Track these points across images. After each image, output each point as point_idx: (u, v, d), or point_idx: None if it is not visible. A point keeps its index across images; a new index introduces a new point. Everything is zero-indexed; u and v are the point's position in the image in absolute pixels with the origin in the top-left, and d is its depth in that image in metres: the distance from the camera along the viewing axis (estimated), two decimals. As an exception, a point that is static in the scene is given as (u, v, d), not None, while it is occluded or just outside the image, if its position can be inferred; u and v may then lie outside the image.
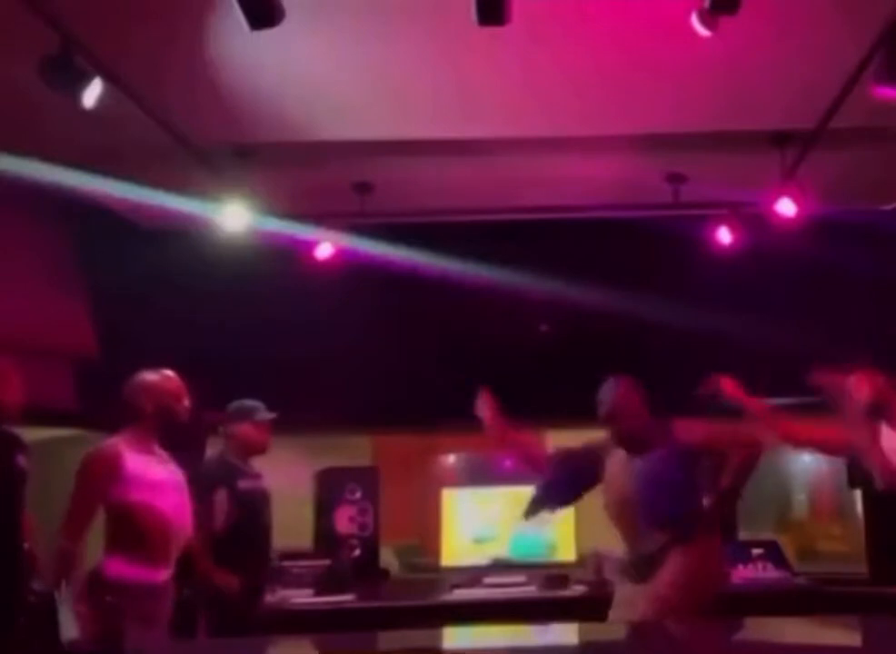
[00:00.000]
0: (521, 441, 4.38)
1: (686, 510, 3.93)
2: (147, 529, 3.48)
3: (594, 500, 5.01)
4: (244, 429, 4.53)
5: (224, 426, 4.57)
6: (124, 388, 3.67)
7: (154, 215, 5.25)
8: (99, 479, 3.47)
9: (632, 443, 4.05)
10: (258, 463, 4.63)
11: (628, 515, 4.02)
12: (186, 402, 3.71)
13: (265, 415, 4.56)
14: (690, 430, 4.00)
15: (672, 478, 3.96)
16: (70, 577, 3.39)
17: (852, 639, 3.22)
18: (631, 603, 3.96)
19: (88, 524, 3.47)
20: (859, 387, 3.96)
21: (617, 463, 4.10)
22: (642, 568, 3.95)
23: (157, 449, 3.68)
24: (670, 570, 3.86)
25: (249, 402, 4.59)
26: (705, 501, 4.00)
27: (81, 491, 3.47)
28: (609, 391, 4.08)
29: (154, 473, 3.57)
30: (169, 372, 3.72)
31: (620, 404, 4.05)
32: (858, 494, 5.30)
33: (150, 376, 3.68)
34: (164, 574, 3.53)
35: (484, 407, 4.25)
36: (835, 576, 4.45)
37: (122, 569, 3.42)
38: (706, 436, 4.00)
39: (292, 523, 5.56)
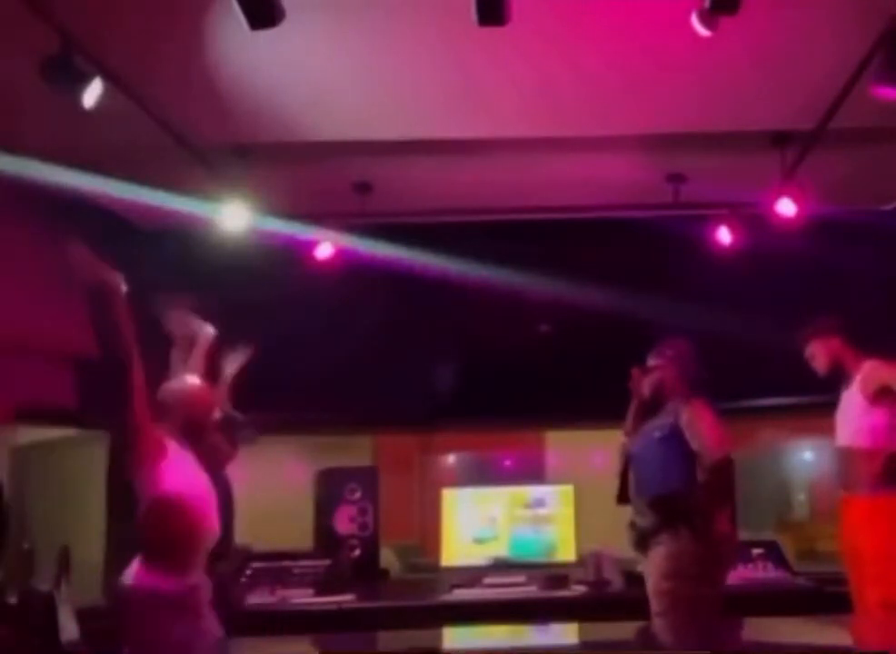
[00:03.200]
0: None
1: (674, 491, 3.91)
2: (175, 535, 3.33)
3: (594, 500, 5.02)
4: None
5: None
6: (159, 392, 3.51)
7: (154, 215, 5.25)
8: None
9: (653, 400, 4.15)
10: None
11: (633, 483, 4.07)
12: (216, 416, 3.62)
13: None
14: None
15: (664, 456, 3.98)
16: None
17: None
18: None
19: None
20: (817, 353, 4.17)
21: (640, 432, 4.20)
22: (639, 540, 3.98)
23: (189, 454, 3.49)
24: (662, 556, 3.87)
25: None
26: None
27: None
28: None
29: (188, 478, 3.41)
30: (199, 384, 3.58)
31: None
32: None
33: (181, 385, 3.54)
34: (188, 580, 3.34)
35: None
36: (835, 576, 4.44)
37: (149, 580, 3.26)
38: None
39: (292, 523, 5.56)
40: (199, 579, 3.42)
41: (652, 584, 3.93)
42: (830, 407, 4.28)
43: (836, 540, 4.35)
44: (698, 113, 4.38)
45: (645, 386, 4.21)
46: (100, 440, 5.44)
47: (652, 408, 4.20)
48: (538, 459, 6.87)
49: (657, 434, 4.04)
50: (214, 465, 4.15)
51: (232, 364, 4.33)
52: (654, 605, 3.90)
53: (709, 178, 5.03)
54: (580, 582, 4.95)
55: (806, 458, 6.61)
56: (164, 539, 3.33)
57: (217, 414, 3.65)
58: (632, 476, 4.10)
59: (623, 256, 5.72)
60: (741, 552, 5.16)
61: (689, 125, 4.50)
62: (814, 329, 4.28)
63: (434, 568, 5.44)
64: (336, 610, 4.70)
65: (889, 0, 3.29)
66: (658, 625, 3.82)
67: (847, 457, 4.16)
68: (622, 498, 4.16)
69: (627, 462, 4.15)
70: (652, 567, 3.93)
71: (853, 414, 4.12)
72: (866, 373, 4.10)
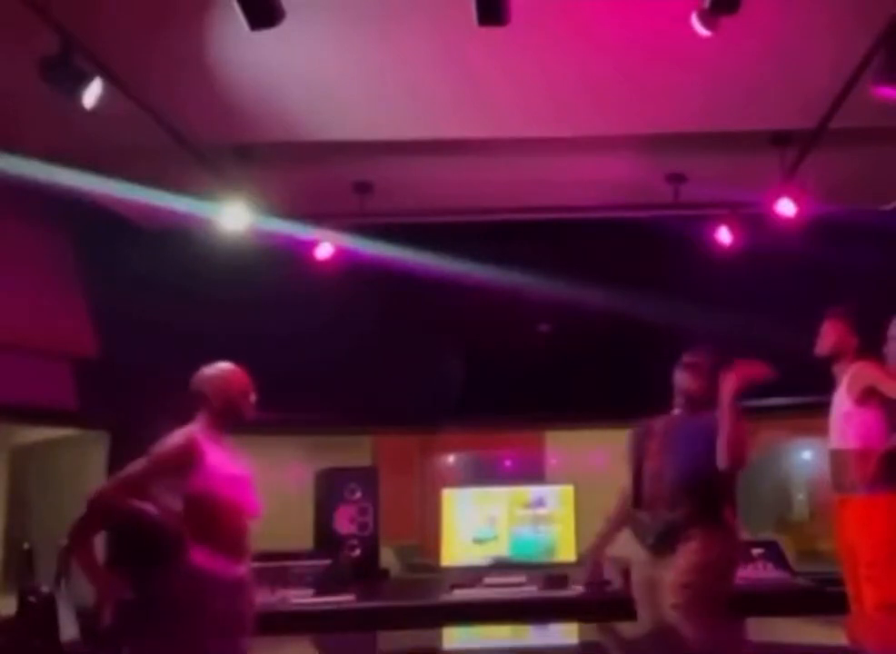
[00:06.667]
0: None
1: (711, 476, 3.87)
2: (222, 521, 3.42)
3: (594, 500, 5.02)
4: None
5: None
6: (193, 380, 3.59)
7: (154, 215, 5.25)
8: (177, 469, 3.40)
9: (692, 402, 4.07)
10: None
11: (663, 473, 4.02)
12: (252, 398, 3.62)
13: None
14: None
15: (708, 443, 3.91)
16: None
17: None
18: (651, 586, 3.96)
19: (134, 494, 3.40)
20: (826, 334, 4.17)
21: (662, 425, 4.12)
22: (662, 537, 3.92)
23: (226, 442, 3.59)
24: (693, 550, 3.83)
25: None
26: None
27: (150, 468, 3.41)
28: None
29: (227, 466, 3.50)
30: (234, 367, 3.63)
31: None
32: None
33: (217, 370, 3.60)
34: (241, 569, 3.47)
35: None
36: (835, 576, 4.44)
37: (205, 560, 3.36)
38: None
39: (292, 523, 5.56)
40: (246, 572, 3.48)
41: (674, 576, 3.88)
42: (829, 407, 4.28)
43: (834, 541, 4.35)
44: (698, 113, 4.38)
45: (682, 382, 4.12)
46: (100, 440, 5.44)
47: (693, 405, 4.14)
48: (538, 459, 6.86)
49: (700, 433, 3.99)
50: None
51: None
52: (672, 596, 3.86)
53: (709, 178, 5.03)
54: (580, 582, 4.95)
55: (806, 458, 6.60)
56: (209, 528, 3.37)
57: (253, 398, 3.63)
58: (667, 466, 4.03)
59: (623, 256, 5.72)
60: (742, 552, 5.17)
61: (689, 125, 4.50)
62: (840, 311, 4.28)
63: (434, 568, 5.45)
64: (336, 610, 4.70)
65: (889, 0, 3.29)
66: (675, 617, 3.79)
67: (841, 459, 4.17)
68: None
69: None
70: (681, 559, 3.87)
71: (843, 416, 4.15)
72: (852, 374, 4.15)
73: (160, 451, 3.42)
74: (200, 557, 3.35)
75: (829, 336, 4.27)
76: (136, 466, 3.45)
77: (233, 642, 3.38)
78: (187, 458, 3.39)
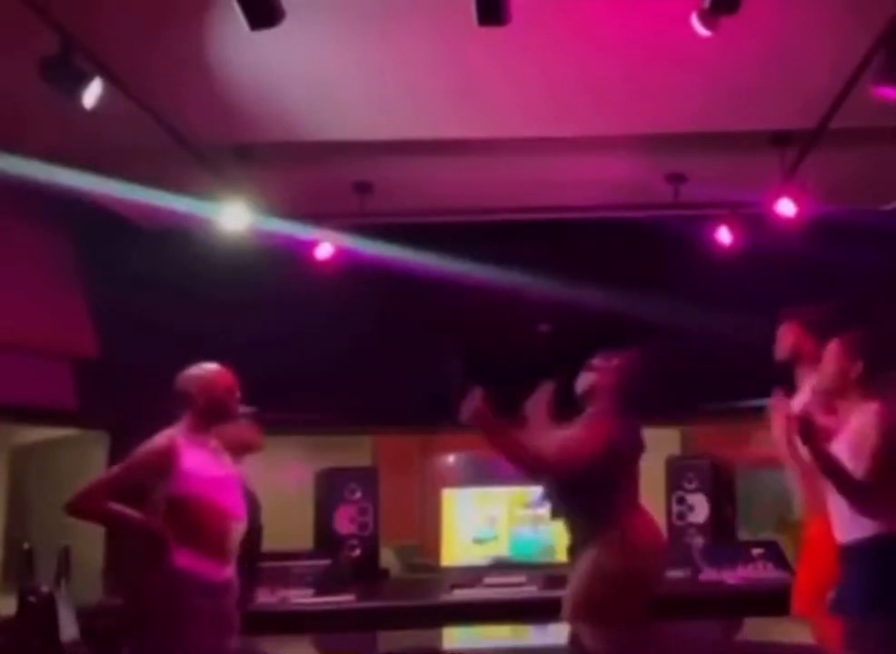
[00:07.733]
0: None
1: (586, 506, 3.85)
2: (205, 524, 3.41)
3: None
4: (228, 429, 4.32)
5: None
6: (177, 381, 3.57)
7: (154, 215, 5.25)
8: (153, 471, 3.40)
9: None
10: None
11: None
12: (238, 396, 3.62)
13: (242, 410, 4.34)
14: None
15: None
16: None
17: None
18: None
19: (112, 496, 3.38)
20: (783, 338, 4.08)
21: None
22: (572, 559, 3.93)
23: (212, 443, 3.59)
24: (587, 557, 3.81)
25: None
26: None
27: (126, 470, 3.42)
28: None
29: (209, 468, 3.49)
30: (219, 367, 3.62)
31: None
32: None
33: (201, 370, 3.59)
34: (226, 571, 3.47)
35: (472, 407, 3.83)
36: (835, 576, 4.44)
37: (188, 562, 3.36)
38: None
39: (292, 523, 5.56)
40: (232, 574, 3.46)
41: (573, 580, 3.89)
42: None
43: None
44: (698, 113, 4.38)
45: (579, 384, 4.19)
46: (100, 440, 5.45)
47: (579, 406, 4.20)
48: (538, 459, 6.84)
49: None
50: (240, 454, 4.13)
51: None
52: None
53: (709, 178, 5.03)
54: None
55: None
56: (191, 530, 3.36)
57: (238, 396, 3.62)
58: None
59: (623, 256, 5.72)
60: (742, 552, 5.18)
61: (689, 125, 4.50)
62: (795, 313, 4.15)
63: (434, 568, 5.45)
64: (336, 610, 4.70)
65: (889, 0, 3.29)
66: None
67: None
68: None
69: None
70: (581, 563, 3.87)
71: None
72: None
73: (136, 454, 3.42)
74: (183, 559, 3.35)
75: (785, 340, 4.13)
76: (114, 470, 3.47)
77: (220, 643, 3.38)
78: (163, 461, 3.39)
